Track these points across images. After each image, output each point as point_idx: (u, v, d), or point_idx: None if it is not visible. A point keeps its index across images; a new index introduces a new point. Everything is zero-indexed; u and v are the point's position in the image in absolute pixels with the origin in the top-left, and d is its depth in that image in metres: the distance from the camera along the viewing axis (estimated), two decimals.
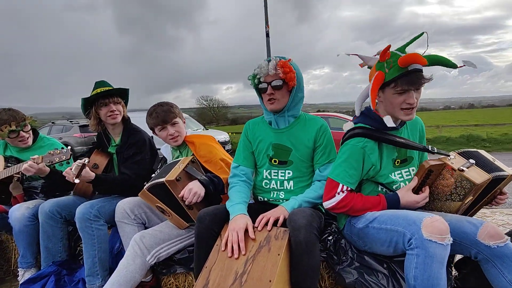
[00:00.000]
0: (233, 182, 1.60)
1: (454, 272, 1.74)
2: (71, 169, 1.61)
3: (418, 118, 1.55)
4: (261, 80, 1.51)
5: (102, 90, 1.89)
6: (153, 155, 2.04)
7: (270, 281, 1.15)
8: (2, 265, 2.21)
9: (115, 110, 1.94)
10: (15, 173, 1.97)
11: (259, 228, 1.35)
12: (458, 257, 1.73)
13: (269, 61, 1.50)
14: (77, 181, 1.58)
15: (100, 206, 1.75)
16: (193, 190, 1.51)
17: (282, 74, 1.48)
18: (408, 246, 1.12)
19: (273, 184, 1.62)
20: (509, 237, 1.14)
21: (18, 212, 1.87)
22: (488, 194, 1.38)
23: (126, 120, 2.05)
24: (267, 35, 11.22)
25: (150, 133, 1.97)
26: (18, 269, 1.96)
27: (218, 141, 2.03)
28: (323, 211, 1.64)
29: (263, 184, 1.64)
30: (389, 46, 1.28)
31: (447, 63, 1.24)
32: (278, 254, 1.23)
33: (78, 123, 9.18)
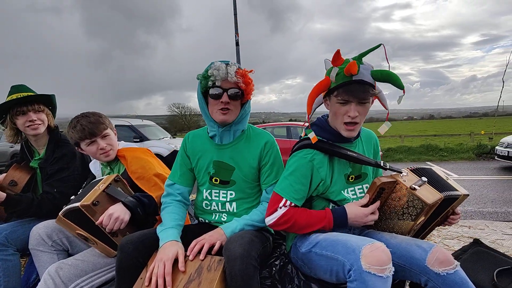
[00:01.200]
0: (167, 202, 1.40)
1: None
2: None
3: (372, 132, 1.46)
4: (216, 84, 1.31)
5: (18, 96, 1.63)
6: (84, 171, 1.78)
7: None
8: None
9: (35, 120, 1.68)
10: None
11: (190, 257, 1.17)
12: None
13: (227, 64, 1.32)
14: None
15: (9, 232, 1.48)
16: (114, 216, 1.29)
17: (242, 84, 1.32)
18: (348, 277, 0.99)
19: (214, 206, 1.44)
20: (458, 263, 1.05)
21: None
22: (441, 214, 1.30)
23: (52, 131, 1.79)
24: (237, 43, 11.21)
25: None
26: None
27: None
28: (271, 231, 1.49)
29: (204, 205, 1.46)
30: (338, 50, 1.17)
31: (396, 82, 1.16)
32: (211, 283, 1.05)
33: None
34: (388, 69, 1.16)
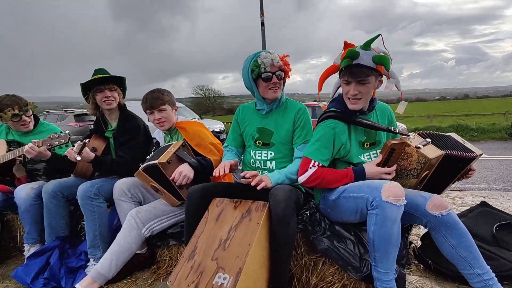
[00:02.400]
0: (225, 153, 1.87)
1: (416, 243, 1.96)
2: (72, 149, 1.76)
3: (386, 105, 1.73)
4: (266, 69, 1.65)
5: (98, 77, 2.03)
6: (147, 140, 2.20)
7: (249, 244, 1.33)
8: (9, 242, 2.37)
9: (109, 96, 2.08)
10: (17, 156, 2.11)
11: (247, 175, 1.53)
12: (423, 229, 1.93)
13: (269, 53, 1.66)
14: (78, 158, 1.73)
15: (99, 185, 1.91)
16: (183, 173, 1.67)
17: (283, 66, 1.67)
18: (370, 207, 1.30)
19: (258, 164, 1.80)
20: (451, 208, 1.33)
21: (23, 192, 2.03)
22: (460, 171, 1.56)
23: (122, 107, 2.19)
24: (262, 24, 11.24)
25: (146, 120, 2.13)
26: (24, 245, 2.13)
27: (213, 130, 2.22)
28: (303, 190, 1.82)
29: (250, 163, 1.83)
30: (345, 42, 1.46)
31: (386, 66, 1.43)
32: (257, 223, 1.41)
33: (73, 112, 9.22)
34: (386, 55, 1.43)
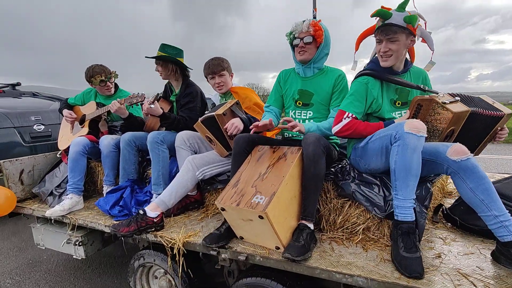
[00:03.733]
0: (265, 113, 2.12)
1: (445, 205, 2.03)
2: (147, 102, 2.19)
3: (423, 70, 1.84)
4: (295, 36, 1.91)
5: (158, 56, 2.44)
6: (203, 105, 2.57)
7: (283, 176, 1.58)
8: (90, 186, 2.93)
9: (159, 70, 2.50)
10: (103, 113, 2.63)
11: (289, 125, 1.75)
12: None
13: (304, 21, 1.89)
14: (152, 106, 2.15)
15: (164, 135, 2.31)
16: (235, 124, 1.97)
17: (312, 31, 1.87)
18: (394, 141, 1.46)
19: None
20: (472, 154, 1.42)
21: (106, 140, 2.53)
22: (489, 131, 1.64)
23: (186, 76, 2.59)
24: (314, 18, 11.35)
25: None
26: (103, 186, 2.64)
27: None
28: (337, 149, 2.02)
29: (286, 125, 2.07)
30: (382, 6, 1.62)
31: (412, 24, 1.55)
32: (292, 162, 1.66)
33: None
34: (416, 15, 1.56)
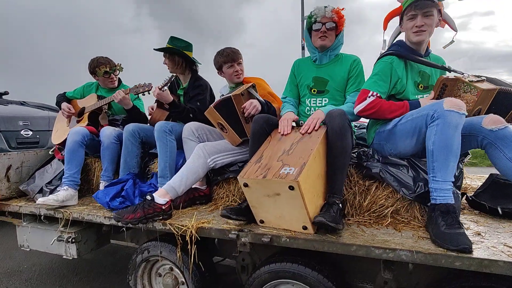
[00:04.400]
0: (284, 104, 2.05)
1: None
2: (158, 86, 2.09)
3: (440, 57, 1.86)
4: (317, 20, 1.90)
5: (167, 47, 2.39)
6: (212, 98, 2.50)
7: (311, 149, 1.49)
8: (84, 185, 2.70)
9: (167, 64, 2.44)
10: (104, 104, 2.51)
11: (310, 130, 1.65)
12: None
13: (326, 7, 1.89)
14: (165, 88, 2.05)
15: (173, 125, 2.19)
16: (253, 103, 1.89)
17: (336, 18, 1.88)
18: (431, 121, 1.38)
19: (313, 111, 1.98)
20: (509, 124, 1.39)
21: (108, 131, 2.38)
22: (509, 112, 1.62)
23: (194, 70, 2.53)
24: (303, 48, 11.86)
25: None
26: (100, 182, 2.44)
27: None
28: (354, 136, 1.96)
29: (305, 110, 2.01)
30: None
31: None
32: (318, 137, 1.58)
33: None
34: None
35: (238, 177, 1.51)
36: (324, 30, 1.89)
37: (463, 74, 1.64)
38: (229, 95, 1.93)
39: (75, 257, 2.12)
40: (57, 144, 2.69)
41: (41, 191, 2.45)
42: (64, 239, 2.09)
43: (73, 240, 2.08)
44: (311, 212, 1.43)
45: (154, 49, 2.50)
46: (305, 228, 1.46)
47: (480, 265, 1.14)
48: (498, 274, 1.13)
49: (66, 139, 2.50)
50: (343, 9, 1.92)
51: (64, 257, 2.15)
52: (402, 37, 1.84)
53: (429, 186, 1.42)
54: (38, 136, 4.26)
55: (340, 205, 1.52)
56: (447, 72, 1.72)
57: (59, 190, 2.27)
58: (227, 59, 2.21)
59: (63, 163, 2.54)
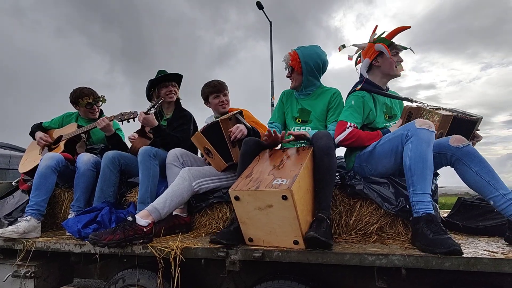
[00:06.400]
0: (269, 128, 2.15)
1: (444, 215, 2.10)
2: (143, 111, 2.13)
3: (397, 92, 2.13)
4: (285, 66, 2.16)
5: (164, 74, 2.50)
6: (195, 129, 2.56)
7: (301, 164, 1.56)
8: (48, 219, 2.47)
9: (172, 90, 2.53)
10: (85, 131, 2.46)
11: (291, 137, 1.79)
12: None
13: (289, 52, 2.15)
14: (151, 111, 2.08)
15: (157, 150, 2.17)
16: (240, 128, 1.97)
17: (290, 62, 2.12)
18: (406, 139, 1.55)
19: None
20: (470, 142, 1.58)
21: (85, 157, 2.28)
22: (468, 134, 1.84)
23: (177, 100, 2.61)
24: (272, 105, 12.68)
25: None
26: (69, 213, 2.26)
27: None
28: None
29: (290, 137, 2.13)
30: (376, 26, 1.95)
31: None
32: (306, 155, 1.66)
33: None
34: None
35: (229, 190, 1.51)
36: (288, 75, 2.16)
37: (423, 104, 1.88)
38: (216, 120, 2.00)
39: None
40: (23, 174, 2.51)
41: None
42: (21, 275, 1.83)
43: (31, 275, 1.83)
44: (303, 225, 1.43)
45: (150, 80, 2.55)
46: (296, 243, 1.45)
47: (468, 263, 1.20)
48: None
49: (34, 168, 2.36)
50: (293, 50, 2.11)
51: None
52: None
53: (410, 200, 1.51)
54: None
55: (328, 221, 1.55)
56: (409, 102, 1.96)
57: (19, 221, 2.06)
58: (214, 89, 2.34)
59: (28, 194, 2.36)
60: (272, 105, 13.02)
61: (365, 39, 2.05)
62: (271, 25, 12.96)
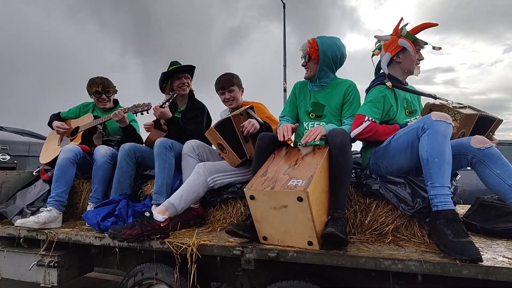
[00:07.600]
0: (280, 122, 2.12)
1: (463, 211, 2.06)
2: (158, 104, 2.14)
3: (414, 86, 2.06)
4: (302, 55, 2.09)
5: (177, 67, 2.49)
6: (209, 121, 2.57)
7: (317, 164, 1.54)
8: (68, 209, 2.55)
9: (185, 83, 2.52)
10: (101, 123, 2.49)
11: (309, 139, 1.72)
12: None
13: (305, 43, 2.08)
14: (166, 105, 2.09)
15: (173, 142, 2.19)
16: (252, 122, 1.95)
17: (308, 50, 2.05)
18: (422, 132, 1.50)
19: None
20: (494, 143, 1.53)
21: (103, 149, 2.33)
22: (484, 133, 1.78)
23: (191, 92, 2.61)
24: (285, 90, 12.50)
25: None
26: (88, 204, 2.33)
27: None
28: None
29: (304, 133, 2.09)
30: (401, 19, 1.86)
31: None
32: (322, 155, 1.64)
33: None
34: None
35: (244, 190, 1.52)
36: (303, 64, 2.08)
37: (447, 101, 1.81)
38: (228, 116, 1.99)
39: (55, 284, 1.94)
40: (44, 164, 2.58)
41: (20, 212, 2.29)
42: (45, 264, 1.92)
43: (55, 265, 1.92)
44: (317, 226, 1.44)
45: (163, 72, 2.54)
46: (310, 243, 1.46)
47: (486, 272, 1.18)
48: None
49: (54, 159, 2.42)
50: (313, 38, 2.04)
51: (42, 285, 1.96)
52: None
53: (428, 194, 1.47)
54: (15, 162, 4.07)
55: (344, 220, 1.55)
56: (432, 99, 1.89)
57: (41, 212, 2.14)
58: (218, 86, 2.34)
59: (49, 184, 2.43)
60: (285, 90, 12.87)
61: (382, 20, 1.98)
62: (284, 7, 12.60)
